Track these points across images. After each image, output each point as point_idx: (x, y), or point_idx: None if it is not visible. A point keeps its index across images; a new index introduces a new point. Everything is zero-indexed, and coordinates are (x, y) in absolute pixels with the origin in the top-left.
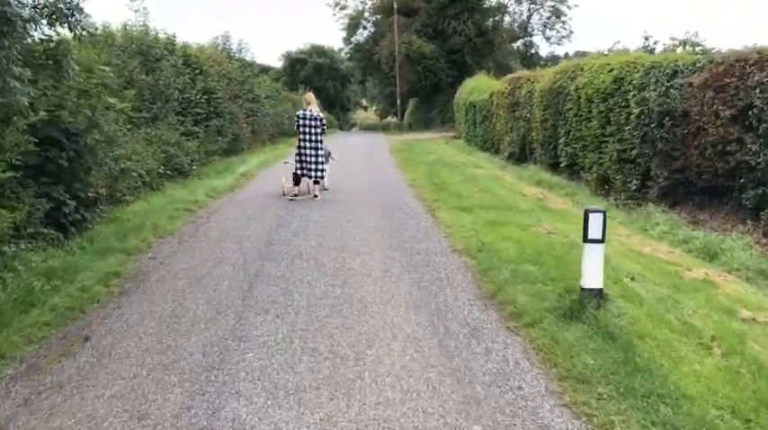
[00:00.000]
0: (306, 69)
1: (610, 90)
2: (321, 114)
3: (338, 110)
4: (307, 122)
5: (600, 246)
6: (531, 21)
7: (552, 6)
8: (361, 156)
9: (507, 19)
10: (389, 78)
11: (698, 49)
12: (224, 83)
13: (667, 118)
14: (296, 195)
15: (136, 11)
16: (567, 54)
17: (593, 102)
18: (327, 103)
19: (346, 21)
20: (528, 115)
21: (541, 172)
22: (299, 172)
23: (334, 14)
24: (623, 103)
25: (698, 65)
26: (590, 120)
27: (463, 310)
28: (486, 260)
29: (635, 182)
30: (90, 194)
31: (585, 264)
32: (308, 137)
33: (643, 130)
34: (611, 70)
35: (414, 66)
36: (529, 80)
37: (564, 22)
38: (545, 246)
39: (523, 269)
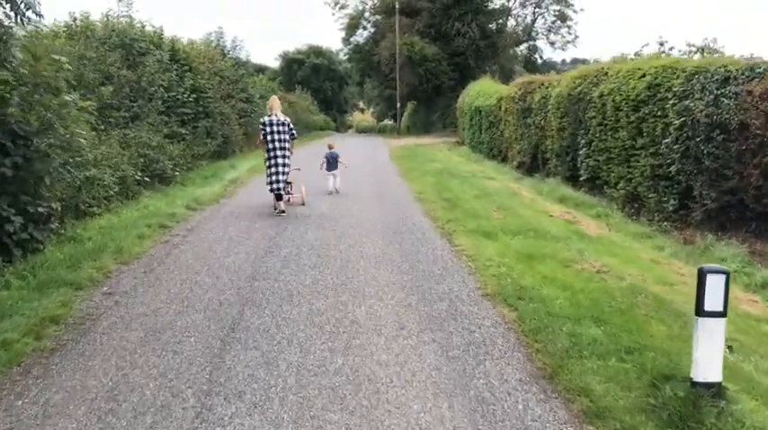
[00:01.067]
0: (303, 70)
1: (643, 97)
2: (288, 119)
3: (335, 111)
4: (274, 129)
5: (721, 322)
6: (536, 25)
7: (557, 10)
8: (360, 161)
9: (511, 22)
10: (389, 80)
11: (716, 55)
12: (215, 81)
13: (717, 131)
14: (283, 211)
15: (119, 0)
16: (564, 61)
17: (621, 110)
18: (325, 104)
19: (346, 21)
20: (542, 123)
21: (561, 186)
22: (274, 186)
23: (334, 14)
24: (659, 113)
25: (756, 70)
26: (617, 131)
27: (516, 403)
28: (530, 314)
29: (672, 202)
30: (42, 209)
31: (699, 348)
32: (277, 145)
33: (685, 144)
34: (644, 75)
35: (415, 68)
36: (542, 85)
37: (569, 27)
38: (601, 293)
39: (585, 332)
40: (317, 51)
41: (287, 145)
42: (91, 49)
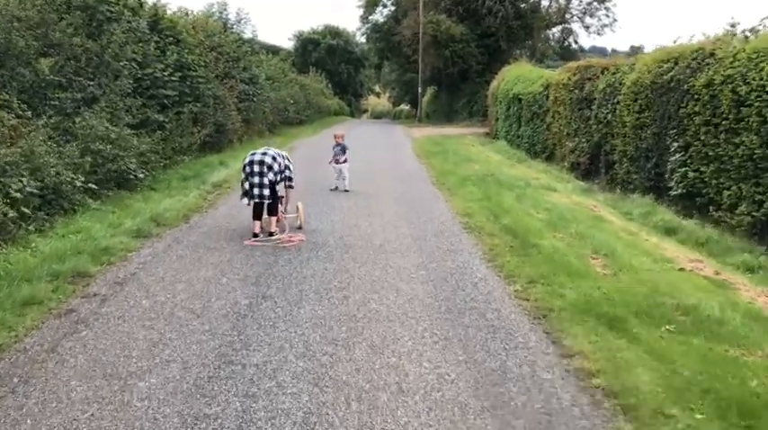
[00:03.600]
0: (318, 51)
1: None
2: (284, 152)
3: (350, 95)
4: (255, 170)
5: None
6: (571, 5)
7: None
8: (379, 159)
9: (544, 2)
10: (410, 63)
11: None
12: (210, 58)
13: None
14: (271, 233)
15: None
16: (581, 48)
17: (748, 105)
18: (340, 87)
19: None
20: (607, 117)
21: (655, 207)
22: (255, 191)
23: None
24: None
25: None
26: (738, 133)
27: None
28: None
29: None
30: None
31: None
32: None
33: None
34: None
35: (440, 49)
36: (606, 70)
37: (608, 9)
38: None
39: None
40: (333, 32)
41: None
42: (32, 8)
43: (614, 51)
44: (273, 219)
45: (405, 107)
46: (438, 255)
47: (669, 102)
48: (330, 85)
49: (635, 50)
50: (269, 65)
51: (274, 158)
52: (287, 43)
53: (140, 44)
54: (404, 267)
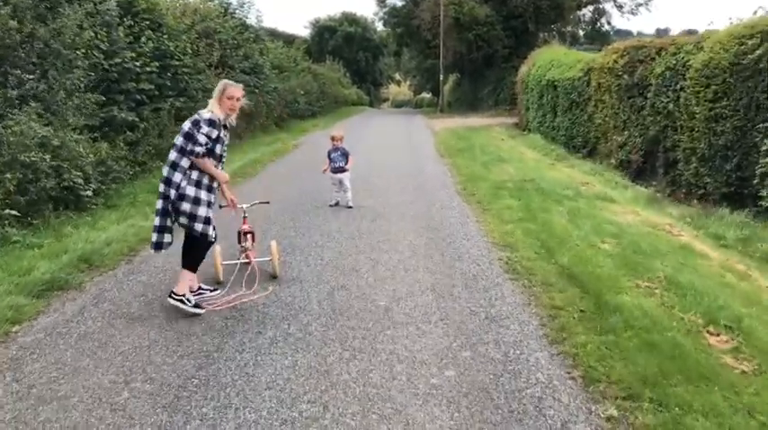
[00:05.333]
0: (335, 39)
1: None
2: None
3: (369, 84)
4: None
5: None
6: None
7: None
8: (393, 158)
9: None
10: (430, 48)
11: None
12: (202, 45)
13: None
14: (199, 308)
15: None
16: (614, 30)
17: None
18: (358, 76)
19: None
20: (668, 106)
21: (757, 229)
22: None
23: None
24: None
25: None
26: None
27: None
28: None
29: None
30: None
31: None
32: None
33: None
34: None
35: (462, 33)
36: (662, 51)
37: None
38: None
39: None
40: (350, 19)
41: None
42: None
43: (640, 34)
44: (185, 273)
45: (426, 95)
46: (473, 330)
47: (757, 88)
48: (348, 74)
49: (661, 33)
50: (276, 53)
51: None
52: (303, 31)
53: (105, 29)
54: (421, 361)
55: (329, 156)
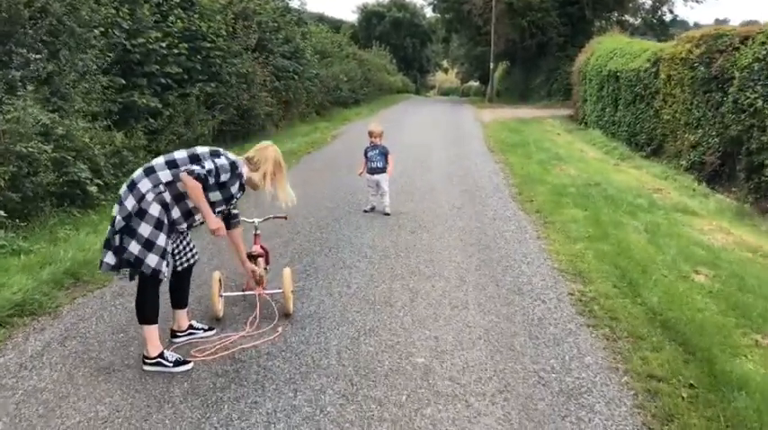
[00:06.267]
0: (383, 24)
1: None
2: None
3: (415, 71)
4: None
5: None
6: None
7: None
8: (438, 152)
9: None
10: (481, 35)
11: None
12: (237, 27)
13: None
14: (183, 364)
15: None
16: (676, 20)
17: None
18: (405, 63)
19: None
20: (755, 103)
21: None
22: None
23: None
24: None
25: None
26: None
27: None
28: None
29: None
30: None
31: None
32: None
33: None
34: None
35: (515, 18)
36: (750, 39)
37: None
38: None
39: None
40: (399, 4)
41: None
42: None
43: (696, 25)
44: (147, 330)
45: (474, 84)
46: (544, 412)
47: None
48: (394, 61)
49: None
50: (320, 37)
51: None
52: (351, 17)
53: (128, 6)
54: None
55: (366, 154)
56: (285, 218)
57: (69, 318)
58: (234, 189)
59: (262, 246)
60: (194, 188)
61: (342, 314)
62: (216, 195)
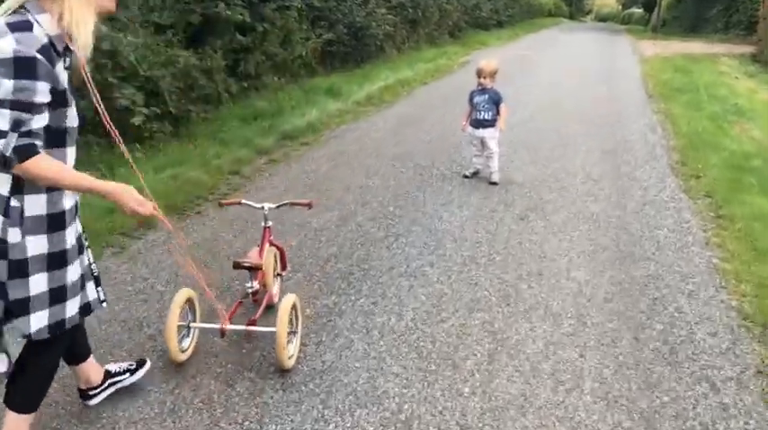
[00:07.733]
0: None
1: None
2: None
3: None
4: None
5: None
6: None
7: None
8: (578, 94)
9: None
10: None
11: None
12: None
13: None
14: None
15: None
16: None
17: None
18: None
19: None
20: None
21: None
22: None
23: None
24: None
25: None
26: None
27: None
28: None
29: None
30: None
31: None
32: None
33: None
34: None
35: None
36: None
37: None
38: None
39: None
40: None
41: None
42: None
43: None
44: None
45: (636, 11)
46: None
47: None
48: None
49: None
50: None
51: None
52: None
53: None
54: None
55: (471, 100)
56: (309, 205)
57: None
58: (66, 63)
59: (276, 245)
60: (43, 166)
61: (371, 378)
62: (70, 112)
